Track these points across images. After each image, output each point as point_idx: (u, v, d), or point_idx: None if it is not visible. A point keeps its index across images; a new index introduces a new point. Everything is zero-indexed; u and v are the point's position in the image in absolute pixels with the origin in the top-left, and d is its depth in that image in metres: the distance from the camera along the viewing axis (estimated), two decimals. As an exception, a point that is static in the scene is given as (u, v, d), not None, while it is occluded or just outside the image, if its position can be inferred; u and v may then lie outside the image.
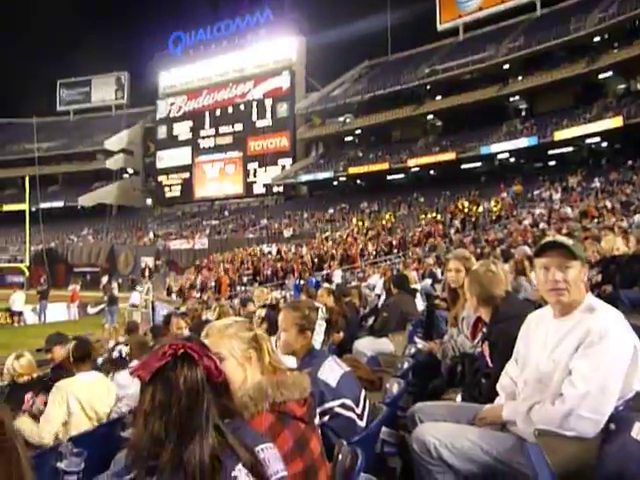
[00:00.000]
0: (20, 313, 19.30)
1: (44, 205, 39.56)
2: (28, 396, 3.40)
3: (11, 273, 31.58)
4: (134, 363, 3.51)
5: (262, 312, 4.56)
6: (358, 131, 36.64)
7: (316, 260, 18.68)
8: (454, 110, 31.05)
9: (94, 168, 46.48)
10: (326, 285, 6.85)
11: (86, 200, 43.50)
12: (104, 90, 53.23)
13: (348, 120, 36.47)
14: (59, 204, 44.00)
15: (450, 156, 29.23)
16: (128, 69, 52.64)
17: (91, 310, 20.56)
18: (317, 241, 23.98)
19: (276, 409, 1.46)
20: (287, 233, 29.33)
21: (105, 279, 25.81)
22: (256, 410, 1.43)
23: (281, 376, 1.56)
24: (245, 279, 18.87)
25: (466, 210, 22.87)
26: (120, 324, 12.95)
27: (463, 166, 29.84)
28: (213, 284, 17.99)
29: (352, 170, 33.66)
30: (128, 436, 3.08)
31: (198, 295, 16.55)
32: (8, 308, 19.18)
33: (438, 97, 32.88)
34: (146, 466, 1.02)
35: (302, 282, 11.19)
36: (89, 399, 3.20)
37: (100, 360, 5.27)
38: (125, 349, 3.61)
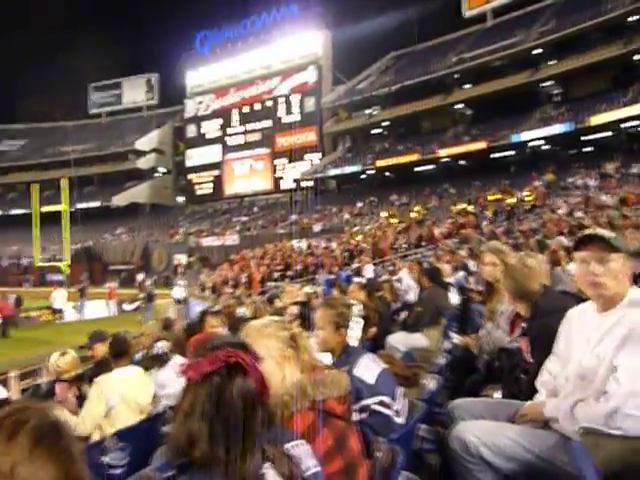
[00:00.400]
0: (60, 310, 20.00)
1: (81, 205, 40.85)
2: (60, 387, 3.51)
3: (51, 272, 32.68)
4: (175, 359, 3.59)
5: (294, 309, 4.59)
6: (386, 123, 36.31)
7: (346, 254, 18.64)
8: (484, 98, 30.41)
9: (126, 168, 47.63)
10: (357, 280, 6.85)
11: (120, 199, 44.68)
12: (134, 92, 54.34)
13: (375, 112, 36.20)
14: (95, 204, 45.32)
15: (481, 145, 28.68)
16: (158, 70, 53.64)
17: (128, 307, 21.08)
18: (346, 235, 23.93)
19: (316, 407, 1.47)
20: (316, 228, 29.37)
21: (140, 276, 26.44)
22: (296, 408, 1.45)
23: (320, 374, 1.57)
24: (276, 275, 18.99)
25: (499, 200, 22.43)
26: (157, 320, 13.26)
27: (493, 155, 29.22)
28: (245, 280, 18.18)
29: (380, 163, 33.41)
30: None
31: (231, 291, 16.75)
32: (49, 306, 19.89)
33: (467, 85, 32.25)
34: (179, 463, 1.04)
35: (333, 277, 11.19)
36: (129, 393, 3.30)
37: (139, 356, 5.41)
38: (166, 345, 3.70)
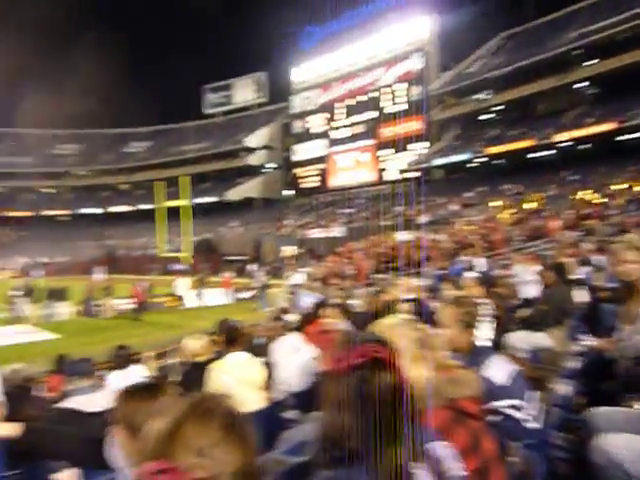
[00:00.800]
0: (181, 297, 21.81)
1: (199, 200, 44.09)
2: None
3: (174, 262, 35.71)
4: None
5: (405, 305, 4.57)
6: (497, 108, 34.36)
7: (454, 247, 18.04)
8: (609, 75, 27.48)
9: (239, 165, 50.41)
10: (472, 274, 6.62)
11: (233, 194, 47.50)
12: (245, 91, 57.14)
13: (485, 97, 34.42)
14: (211, 199, 48.66)
15: (608, 127, 25.99)
16: (266, 68, 55.87)
17: (242, 296, 22.37)
18: (455, 227, 23.15)
19: (451, 406, 1.48)
20: (423, 219, 28.74)
21: (253, 267, 27.90)
22: (431, 406, 1.46)
23: (452, 373, 1.57)
24: (382, 267, 18.95)
25: (629, 188, 20.23)
26: (271, 308, 13.95)
27: (620, 138, 26.33)
28: (351, 272, 18.40)
29: (491, 150, 31.74)
30: (291, 417, 3.34)
31: (338, 283, 17.06)
32: (173, 293, 21.78)
33: (589, 62, 29.34)
34: (331, 456, 1.06)
35: (443, 271, 10.91)
36: (241, 377, 3.51)
37: (258, 341, 5.75)
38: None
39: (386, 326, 1.66)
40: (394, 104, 38.75)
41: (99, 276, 28.03)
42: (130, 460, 1.46)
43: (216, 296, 22.26)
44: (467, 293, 4.56)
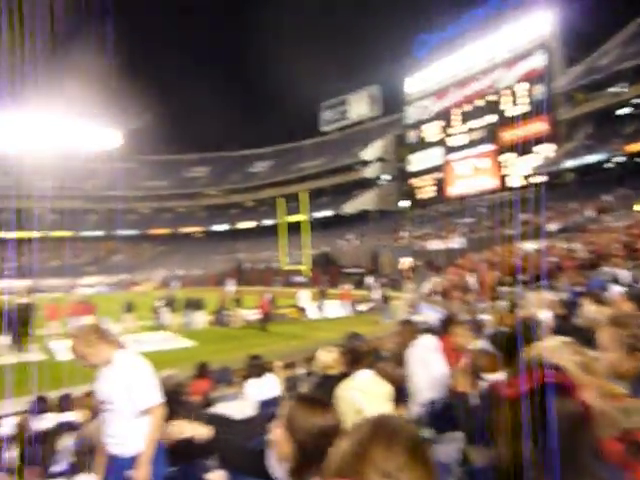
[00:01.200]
0: (304, 309, 22.52)
1: (317, 215, 45.51)
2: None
3: (295, 274, 37.16)
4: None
5: (547, 316, 4.24)
6: (634, 101, 30.83)
7: (592, 257, 16.38)
8: None
9: (354, 178, 51.20)
10: (618, 288, 5.95)
11: (349, 207, 48.26)
12: (359, 106, 58.09)
13: (621, 90, 31.07)
14: (328, 213, 49.97)
15: None
16: (379, 82, 56.34)
17: (361, 308, 22.50)
18: (591, 235, 21.06)
19: (626, 438, 1.34)
20: (552, 227, 26.61)
21: (370, 279, 27.98)
22: (605, 438, 1.34)
23: (623, 402, 1.43)
24: (508, 280, 17.84)
25: None
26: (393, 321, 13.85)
27: None
28: (474, 285, 17.57)
29: (631, 148, 28.48)
30: (426, 437, 3.27)
31: (460, 296, 16.40)
32: (295, 304, 22.59)
33: None
34: None
35: (582, 284, 9.96)
36: (371, 392, 3.49)
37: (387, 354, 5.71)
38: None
39: (547, 348, 1.56)
40: (515, 105, 36.61)
41: (231, 288, 30.02)
42: (288, 470, 1.54)
43: (335, 308, 22.64)
44: (616, 310, 4.13)
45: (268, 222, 54.24)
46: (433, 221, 40.64)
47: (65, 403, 4.32)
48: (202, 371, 5.93)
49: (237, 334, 17.58)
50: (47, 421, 3.56)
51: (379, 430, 0.84)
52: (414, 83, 46.40)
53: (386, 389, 3.45)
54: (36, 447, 1.84)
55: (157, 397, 2.94)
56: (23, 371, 9.63)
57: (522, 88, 36.31)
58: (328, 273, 34.43)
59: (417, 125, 45.64)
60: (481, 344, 3.10)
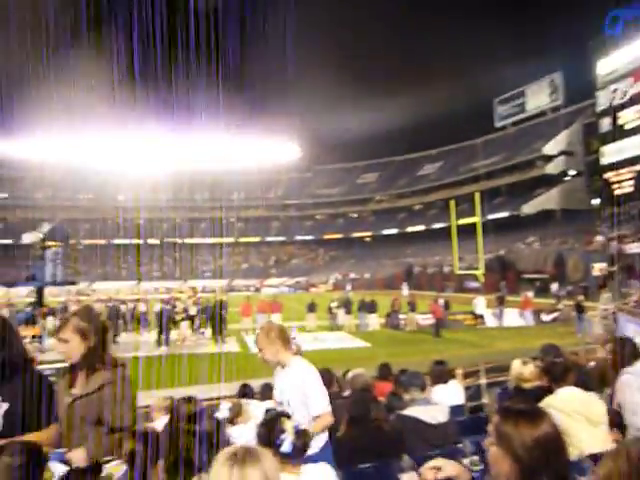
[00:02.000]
0: (481, 316, 21.42)
1: (491, 216, 43.06)
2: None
3: (468, 279, 35.63)
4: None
5: None
6: None
7: None
8: None
9: (533, 175, 47.16)
10: None
11: (529, 207, 44.57)
12: (538, 96, 53.49)
13: None
14: (504, 214, 46.85)
15: None
16: (560, 69, 51.15)
17: (545, 318, 20.60)
18: None
19: None
20: None
21: (554, 286, 25.47)
22: None
23: None
24: None
25: None
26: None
27: None
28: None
29: None
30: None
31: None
32: (472, 311, 21.63)
33: None
34: None
35: None
36: (577, 413, 3.12)
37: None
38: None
39: None
40: None
41: (405, 291, 30.15)
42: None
43: (515, 317, 21.11)
44: None
45: (437, 225, 53.10)
46: (632, 221, 35.22)
47: (266, 391, 4.80)
48: (385, 372, 6.05)
49: (410, 338, 17.54)
50: (255, 407, 4.00)
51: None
52: (607, 64, 40.93)
53: (597, 410, 3.09)
54: (262, 429, 2.07)
55: (327, 405, 3.04)
56: (222, 361, 11.00)
57: None
58: (505, 278, 32.28)
59: (611, 111, 40.13)
60: None
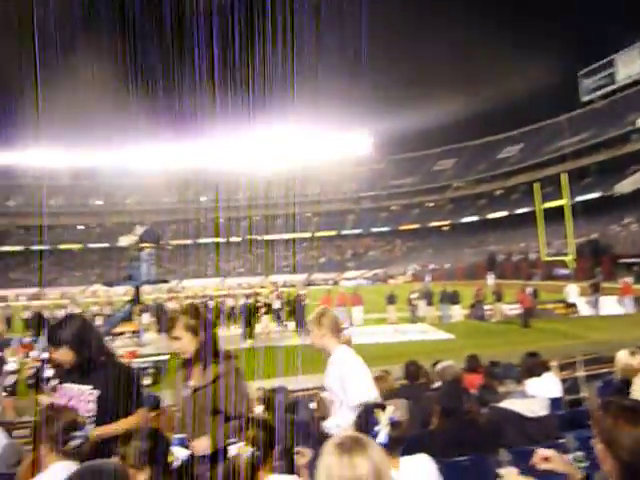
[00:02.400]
0: (574, 305, 20.14)
1: (580, 198, 40.26)
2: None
3: (557, 266, 33.58)
4: None
5: None
6: None
7: None
8: None
9: (627, 151, 43.40)
10: None
11: (623, 186, 41.09)
12: (628, 65, 49.12)
13: None
14: (594, 195, 43.60)
15: None
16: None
17: (648, 304, 19.01)
18: None
19: None
20: None
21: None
22: None
23: None
24: None
25: None
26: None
27: None
28: None
29: None
30: None
31: None
32: (563, 299, 20.41)
33: None
34: None
35: None
36: None
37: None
38: None
39: None
40: None
41: (491, 281, 29.08)
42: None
43: (612, 304, 19.64)
44: None
45: (521, 210, 50.51)
46: None
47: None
48: (473, 364, 5.91)
49: (497, 329, 16.91)
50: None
51: None
52: None
53: None
54: (357, 420, 2.13)
55: (368, 395, 3.00)
56: (305, 353, 11.26)
57: None
58: (599, 264, 30.10)
59: None
60: None
